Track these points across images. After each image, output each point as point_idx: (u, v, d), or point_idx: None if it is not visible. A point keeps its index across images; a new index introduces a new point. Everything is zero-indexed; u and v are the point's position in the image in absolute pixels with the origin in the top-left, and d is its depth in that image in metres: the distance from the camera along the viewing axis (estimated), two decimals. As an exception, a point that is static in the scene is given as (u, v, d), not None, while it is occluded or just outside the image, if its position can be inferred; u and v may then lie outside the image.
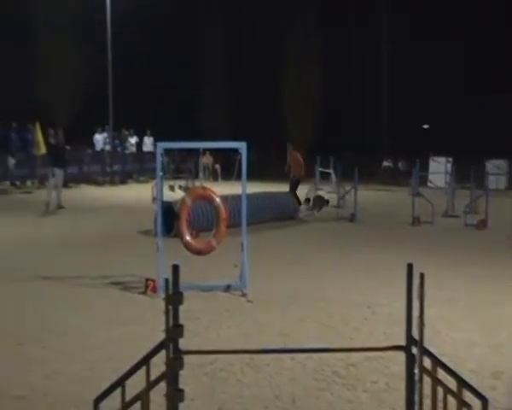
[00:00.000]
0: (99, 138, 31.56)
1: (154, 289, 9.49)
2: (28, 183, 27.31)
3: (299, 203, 19.72)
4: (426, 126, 49.40)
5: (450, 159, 29.48)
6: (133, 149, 33.14)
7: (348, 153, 32.72)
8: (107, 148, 31.82)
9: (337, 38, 38.84)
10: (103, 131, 32.03)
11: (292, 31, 39.82)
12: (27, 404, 5.69)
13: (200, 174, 21.74)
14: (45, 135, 26.37)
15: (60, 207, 19.76)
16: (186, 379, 5.36)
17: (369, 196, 25.36)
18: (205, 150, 33.53)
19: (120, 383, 4.27)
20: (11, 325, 7.95)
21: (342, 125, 41.73)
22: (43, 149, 25.18)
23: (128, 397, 4.30)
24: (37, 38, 35.19)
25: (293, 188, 20.68)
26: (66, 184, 27.09)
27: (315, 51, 39.35)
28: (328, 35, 38.45)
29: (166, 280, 4.02)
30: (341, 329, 7.92)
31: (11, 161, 25.28)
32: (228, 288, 9.74)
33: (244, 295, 9.46)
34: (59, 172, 20.13)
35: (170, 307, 3.98)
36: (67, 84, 34.98)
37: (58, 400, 5.77)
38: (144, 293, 9.50)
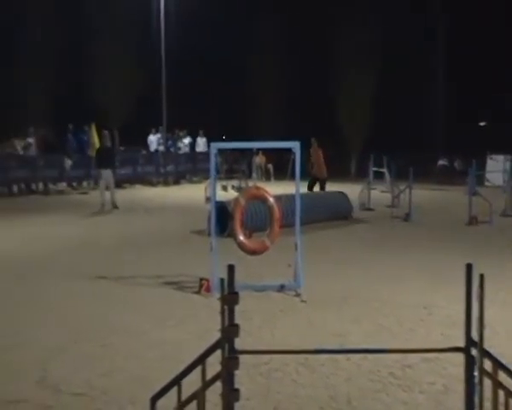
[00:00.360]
0: (153, 139, 31.94)
1: (208, 289, 9.53)
2: (84, 184, 27.78)
3: None
4: (483, 124, 48.47)
5: (509, 157, 28.84)
6: (186, 149, 33.41)
7: (402, 152, 32.32)
8: (161, 149, 32.16)
9: (390, 36, 38.34)
10: (157, 132, 32.40)
11: (344, 30, 39.53)
12: (86, 401, 5.78)
13: (254, 174, 21.73)
14: (100, 136, 26.82)
15: (114, 207, 20.02)
16: (241, 379, 5.36)
17: (424, 195, 25.01)
18: (258, 150, 33.58)
19: (176, 382, 4.30)
20: (69, 323, 8.08)
21: (397, 123, 41.22)
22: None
23: (184, 396, 4.32)
24: (93, 40, 35.81)
25: (311, 186, 19.88)
26: (120, 185, 27.53)
27: (368, 50, 38.97)
28: (382, 33, 38.02)
29: (222, 280, 4.02)
30: (397, 330, 7.81)
31: (68, 162, 25.76)
32: (282, 288, 9.71)
33: (298, 294, 9.43)
34: (106, 173, 20.28)
35: (225, 306, 3.98)
36: (122, 86, 35.48)
37: (115, 398, 5.84)
38: (198, 292, 9.55)
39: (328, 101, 40.17)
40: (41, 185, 25.66)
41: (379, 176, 25.73)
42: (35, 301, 9.13)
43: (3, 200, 23.03)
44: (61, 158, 25.94)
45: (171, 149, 32.81)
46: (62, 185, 26.92)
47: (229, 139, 11.79)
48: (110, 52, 35.34)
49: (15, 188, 25.06)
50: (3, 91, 34.49)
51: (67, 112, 30.63)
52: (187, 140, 33.47)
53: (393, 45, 38.40)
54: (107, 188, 20.21)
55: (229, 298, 3.97)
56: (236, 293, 3.97)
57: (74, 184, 27.32)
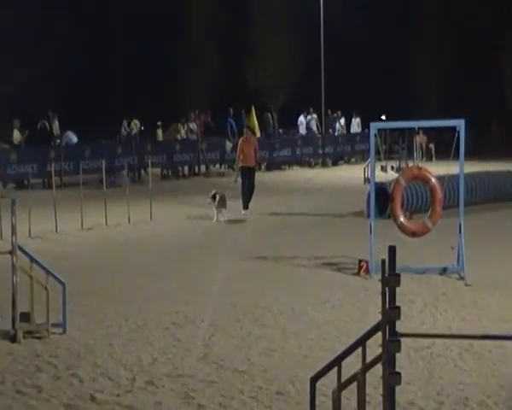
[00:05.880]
0: (303, 121, 31.83)
1: (367, 271, 9.43)
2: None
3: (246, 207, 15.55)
4: None
5: None
6: (343, 131, 33.12)
7: None
8: (314, 129, 32.11)
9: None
10: (308, 114, 32.32)
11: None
12: (247, 378, 5.89)
13: (415, 154, 21.27)
14: (259, 119, 27.28)
15: None
16: (402, 362, 5.26)
17: None
18: (418, 129, 32.62)
19: (336, 363, 4.26)
20: (229, 301, 8.28)
21: None
22: (257, 133, 26.04)
23: (343, 378, 4.28)
24: (251, 25, 36.32)
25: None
26: (279, 167, 27.90)
27: None
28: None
29: (383, 261, 3.92)
30: None
31: (228, 145, 26.41)
32: (444, 271, 9.41)
33: (462, 278, 9.09)
34: None
35: (386, 288, 3.88)
36: (280, 69, 35.78)
37: (275, 376, 5.91)
38: (357, 274, 9.47)
39: (491, 73, 37.98)
40: (203, 168, 26.49)
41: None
42: (198, 281, 9.44)
43: (169, 182, 24.04)
44: (221, 141, 26.67)
45: (330, 131, 32.73)
46: (223, 168, 27.66)
47: (387, 119, 11.54)
48: (268, 37, 35.68)
49: (180, 170, 26.09)
50: (173, 79, 36.06)
51: (227, 97, 31.34)
52: (342, 121, 33.19)
53: None
54: None
55: (391, 280, 3.87)
56: (398, 275, 3.86)
57: (235, 166, 27.96)
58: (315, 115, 32.04)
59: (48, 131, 23.05)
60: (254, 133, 22.83)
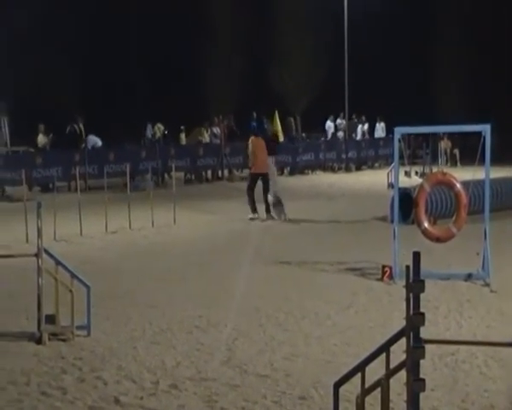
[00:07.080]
0: (331, 125, 31.85)
1: (390, 276, 9.38)
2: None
3: (255, 210, 15.50)
4: None
5: None
6: (365, 136, 33.04)
7: None
8: (340, 134, 32.04)
9: None
10: (338, 117, 32.31)
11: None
12: (270, 383, 5.90)
13: (439, 159, 21.20)
14: (282, 124, 27.26)
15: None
16: (426, 369, 5.22)
17: None
18: (443, 134, 32.42)
19: (360, 368, 4.26)
20: (252, 305, 8.28)
21: None
22: (281, 137, 25.98)
23: (367, 384, 4.27)
24: (275, 29, 36.28)
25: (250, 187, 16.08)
26: (302, 171, 27.89)
27: None
28: None
29: (407, 267, 3.91)
30: None
31: (251, 149, 26.42)
32: (469, 277, 9.33)
33: (487, 284, 9.00)
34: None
35: (410, 294, 3.87)
36: (305, 73, 35.75)
37: (298, 381, 5.91)
38: (380, 280, 9.42)
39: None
40: (226, 172, 26.55)
41: None
42: (221, 285, 9.46)
43: (193, 186, 24.11)
44: (244, 145, 26.70)
45: (353, 135, 32.68)
46: (246, 172, 27.70)
47: (408, 124, 11.48)
48: (292, 40, 35.69)
49: (203, 175, 26.16)
50: (196, 83, 36.19)
51: (251, 101, 31.40)
52: (366, 126, 33.10)
53: None
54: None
55: (415, 286, 3.86)
56: (422, 281, 3.85)
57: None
58: (344, 120, 32.10)
59: (78, 134, 23.33)
60: (278, 138, 22.82)
